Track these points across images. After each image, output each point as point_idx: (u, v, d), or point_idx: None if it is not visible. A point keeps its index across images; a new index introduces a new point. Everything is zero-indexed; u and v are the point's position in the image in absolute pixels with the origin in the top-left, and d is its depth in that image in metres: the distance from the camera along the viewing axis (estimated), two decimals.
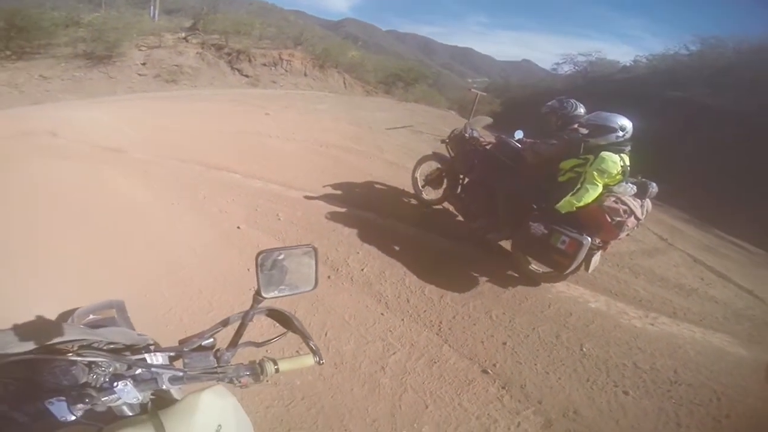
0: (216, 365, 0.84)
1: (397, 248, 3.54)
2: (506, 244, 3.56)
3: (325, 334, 2.52)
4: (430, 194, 4.46)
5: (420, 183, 4.48)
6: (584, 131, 3.23)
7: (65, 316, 1.38)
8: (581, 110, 3.47)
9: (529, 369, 2.48)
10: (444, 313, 2.85)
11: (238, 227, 3.58)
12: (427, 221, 4.12)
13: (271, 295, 0.93)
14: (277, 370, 0.86)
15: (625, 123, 2.97)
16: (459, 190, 4.06)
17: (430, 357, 2.46)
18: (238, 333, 0.93)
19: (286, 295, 0.95)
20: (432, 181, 4.31)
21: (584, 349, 2.68)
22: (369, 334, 2.58)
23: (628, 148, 3.02)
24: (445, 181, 4.17)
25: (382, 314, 2.78)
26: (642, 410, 2.30)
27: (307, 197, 4.28)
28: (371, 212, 4.15)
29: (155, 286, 2.70)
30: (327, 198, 4.33)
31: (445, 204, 4.27)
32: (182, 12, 18.92)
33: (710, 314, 3.34)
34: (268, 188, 4.45)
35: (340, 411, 2.01)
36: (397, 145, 7.04)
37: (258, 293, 0.91)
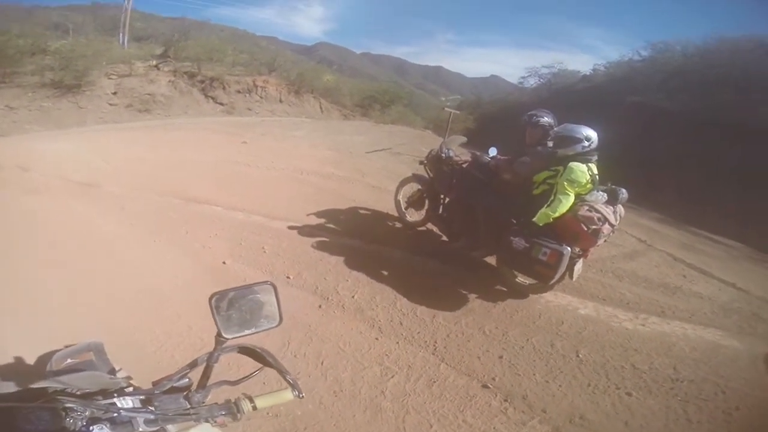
0: (188, 406, 0.85)
1: (385, 273, 3.57)
2: (491, 260, 3.64)
3: (322, 363, 2.52)
4: (413, 216, 4.51)
5: (403, 205, 4.54)
6: (550, 144, 3.37)
7: (44, 359, 1.37)
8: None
9: (528, 380, 2.52)
10: (438, 333, 2.89)
11: (224, 262, 3.54)
12: (412, 243, 4.17)
13: (233, 335, 0.94)
14: (254, 408, 0.87)
15: (590, 133, 3.12)
16: (441, 210, 4.13)
17: (429, 377, 2.48)
18: (205, 374, 0.94)
19: (249, 334, 0.97)
20: (414, 202, 4.38)
21: (580, 355, 2.74)
22: (365, 359, 2.59)
23: (595, 157, 3.16)
24: (427, 201, 4.24)
25: (376, 339, 2.79)
26: (649, 410, 2.34)
27: (291, 227, 4.27)
28: (357, 239, 4.17)
29: (143, 324, 2.65)
30: (311, 227, 4.34)
31: (429, 225, 4.33)
32: (152, 39, 18.84)
33: (698, 310, 3.46)
34: (251, 220, 4.43)
35: None
36: (377, 168, 7.13)
37: (219, 335, 0.93)
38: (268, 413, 2.07)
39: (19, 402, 0.70)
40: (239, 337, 0.96)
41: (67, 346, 1.45)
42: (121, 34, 16.03)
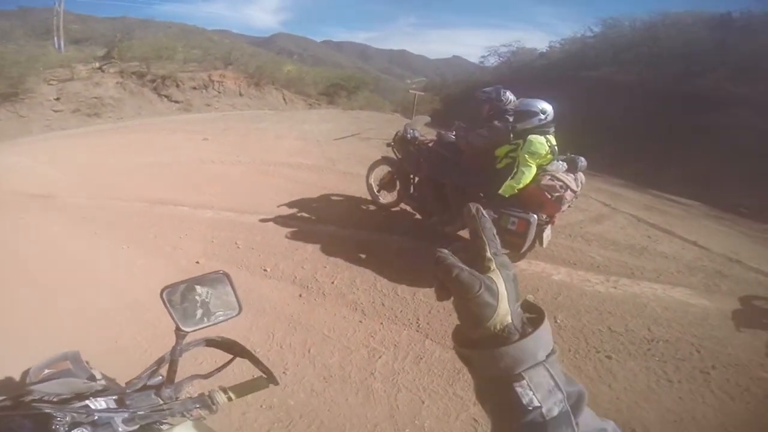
0: (161, 402, 0.85)
1: (363, 256, 3.57)
2: (465, 234, 3.69)
3: (309, 351, 2.51)
4: (386, 198, 4.54)
5: (375, 188, 4.55)
6: (509, 118, 3.45)
7: (21, 375, 1.32)
8: (512, 98, 3.68)
9: None
10: (419, 310, 2.92)
11: (197, 262, 3.45)
12: (387, 225, 4.19)
13: (192, 328, 0.92)
14: (229, 398, 0.87)
15: (546, 106, 3.22)
16: (412, 189, 4.18)
17: (416, 354, 2.52)
18: (171, 369, 0.92)
19: (209, 325, 0.94)
20: (386, 184, 4.41)
21: (558, 321, 2.83)
22: (351, 343, 2.60)
23: (552, 129, 3.27)
24: (398, 182, 4.28)
25: (360, 322, 2.81)
26: (630, 372, 2.41)
27: (263, 220, 4.19)
28: (331, 225, 4.15)
29: (124, 331, 2.59)
30: (284, 218, 4.27)
31: (402, 205, 4.36)
32: (91, 41, 17.68)
33: (665, 270, 3.61)
34: (221, 217, 4.32)
35: (340, 422, 2.02)
36: (347, 154, 7.06)
37: (178, 329, 0.90)
38: (261, 406, 2.06)
39: None
40: (200, 329, 0.93)
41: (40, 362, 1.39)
42: (55, 38, 14.99)
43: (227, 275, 0.97)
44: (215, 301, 0.96)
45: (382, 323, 2.79)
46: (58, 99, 11.75)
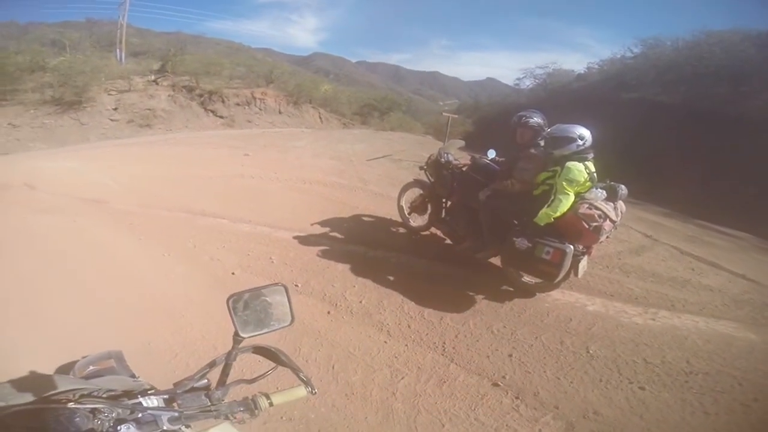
0: (209, 404, 0.90)
1: (391, 278, 3.60)
2: (497, 261, 3.65)
3: (333, 367, 2.55)
4: (416, 221, 4.54)
5: (406, 211, 4.57)
6: (541, 143, 3.38)
7: (66, 368, 1.42)
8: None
9: (539, 377, 2.52)
10: (446, 334, 2.91)
11: (233, 273, 3.59)
12: (417, 248, 4.20)
13: (249, 334, 1.00)
14: (271, 404, 0.91)
15: (584, 132, 3.14)
16: (443, 213, 4.18)
17: (439, 377, 2.51)
18: (224, 372, 0.99)
19: (264, 333, 1.02)
20: (417, 207, 4.42)
21: (591, 351, 2.73)
22: (375, 362, 2.62)
23: (591, 155, 3.18)
24: (429, 206, 4.29)
25: (385, 342, 2.82)
26: (663, 403, 2.33)
27: (297, 237, 4.31)
28: (362, 245, 4.21)
29: (157, 335, 2.71)
30: (317, 236, 4.38)
31: (433, 229, 4.36)
32: (149, 54, 19.03)
33: (709, 303, 3.43)
34: (258, 231, 4.48)
35: None
36: (379, 175, 7.19)
37: (236, 334, 0.98)
38: (282, 417, 2.11)
39: (48, 404, 0.73)
40: (254, 336, 1.01)
41: (84, 357, 1.51)
42: (117, 50, 16.23)
43: (286, 288, 1.06)
44: (271, 311, 1.05)
45: (407, 345, 2.80)
46: (115, 109, 12.62)
